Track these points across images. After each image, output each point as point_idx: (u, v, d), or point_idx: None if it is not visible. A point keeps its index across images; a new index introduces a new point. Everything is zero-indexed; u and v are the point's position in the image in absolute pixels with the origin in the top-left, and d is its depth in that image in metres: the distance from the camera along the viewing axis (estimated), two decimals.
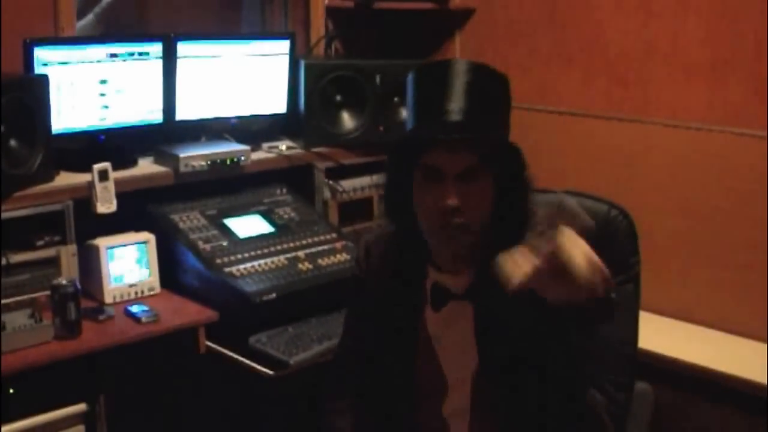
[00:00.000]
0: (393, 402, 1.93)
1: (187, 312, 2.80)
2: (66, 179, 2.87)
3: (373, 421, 1.98)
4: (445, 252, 1.82)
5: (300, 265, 2.94)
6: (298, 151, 3.39)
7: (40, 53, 2.81)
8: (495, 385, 1.84)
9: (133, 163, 3.09)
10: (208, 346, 2.75)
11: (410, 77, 1.85)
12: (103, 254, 2.83)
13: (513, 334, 1.80)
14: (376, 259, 1.99)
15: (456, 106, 1.75)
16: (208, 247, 2.91)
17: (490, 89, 1.81)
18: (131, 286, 2.87)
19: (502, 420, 1.84)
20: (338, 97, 3.46)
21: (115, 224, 2.90)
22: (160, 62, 3.10)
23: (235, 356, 2.68)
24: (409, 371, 1.89)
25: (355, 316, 2.06)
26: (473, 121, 1.75)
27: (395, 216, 1.90)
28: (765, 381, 2.80)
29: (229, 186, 3.20)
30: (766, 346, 2.99)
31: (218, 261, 2.86)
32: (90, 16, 3.43)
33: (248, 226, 3.08)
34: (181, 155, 3.04)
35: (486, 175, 1.76)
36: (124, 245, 2.88)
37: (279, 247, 3.01)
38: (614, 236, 2.18)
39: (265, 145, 3.38)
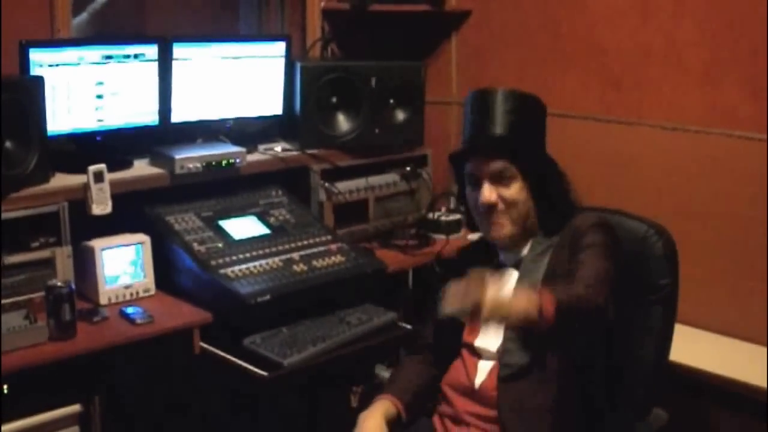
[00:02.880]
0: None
1: (182, 313, 2.80)
2: (61, 181, 2.87)
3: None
4: (491, 237, 2.33)
5: (295, 267, 2.94)
6: (294, 153, 3.39)
7: (36, 55, 2.80)
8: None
9: (128, 164, 3.09)
10: (202, 348, 2.75)
11: (466, 102, 2.40)
12: (98, 256, 2.83)
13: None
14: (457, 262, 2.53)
15: (488, 123, 2.29)
16: (203, 248, 2.91)
17: (523, 112, 2.33)
18: (126, 287, 2.87)
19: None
20: (334, 100, 3.46)
21: (110, 226, 2.90)
22: (155, 64, 3.10)
23: (230, 357, 2.68)
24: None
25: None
26: (508, 138, 2.28)
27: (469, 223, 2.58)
28: (765, 384, 2.80)
29: (225, 188, 3.20)
30: (766, 349, 2.99)
31: (213, 262, 2.86)
32: (84, 15, 3.42)
33: (243, 227, 3.08)
34: (177, 157, 3.04)
35: (515, 176, 2.26)
36: (119, 247, 2.88)
37: (274, 249, 3.01)
38: (645, 257, 2.31)
39: (260, 147, 3.38)
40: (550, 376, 2.18)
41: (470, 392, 2.27)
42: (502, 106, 2.28)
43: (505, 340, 2.22)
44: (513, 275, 2.31)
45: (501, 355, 2.23)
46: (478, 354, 2.30)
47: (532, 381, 2.18)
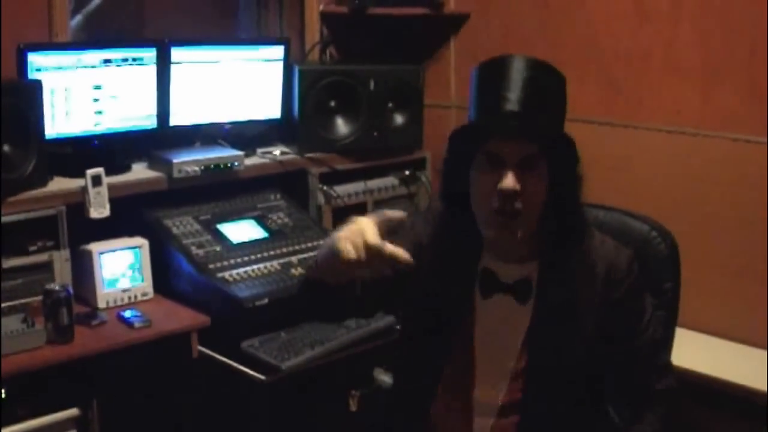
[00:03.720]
0: (419, 379, 1.99)
1: (180, 317, 2.80)
2: (59, 184, 2.87)
3: (401, 397, 2.08)
4: (496, 239, 1.90)
5: (293, 271, 2.93)
6: (292, 156, 3.39)
7: (34, 59, 2.81)
8: (538, 388, 1.91)
9: (126, 168, 3.09)
10: (200, 351, 2.75)
11: (474, 72, 1.96)
12: (96, 259, 2.83)
13: (568, 338, 1.91)
14: (430, 236, 2.02)
15: (514, 96, 1.83)
16: (201, 252, 2.91)
17: (548, 83, 1.90)
18: (124, 291, 2.87)
19: (539, 420, 1.91)
20: (332, 103, 3.46)
21: (108, 229, 2.90)
22: (154, 68, 3.10)
23: (228, 361, 2.68)
24: (442, 352, 1.96)
25: (411, 285, 1.99)
26: (531, 112, 1.83)
27: (451, 202, 1.95)
28: (765, 388, 2.79)
29: (223, 191, 3.20)
30: (766, 353, 2.99)
31: (211, 266, 2.86)
32: (78, 17, 3.42)
33: (242, 231, 3.08)
34: (175, 161, 3.04)
35: (542, 165, 1.85)
36: (117, 250, 2.88)
37: (272, 253, 3.01)
38: (648, 259, 2.18)
39: (259, 151, 3.38)
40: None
41: None
42: (537, 80, 1.87)
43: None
44: (520, 312, 1.93)
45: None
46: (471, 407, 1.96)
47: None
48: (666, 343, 2.19)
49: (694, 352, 3.07)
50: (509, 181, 1.81)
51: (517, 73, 1.86)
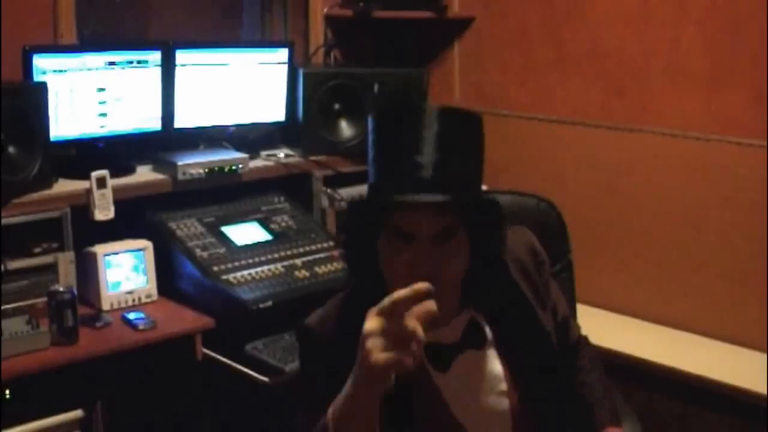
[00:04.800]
0: None
1: (184, 319, 2.81)
2: (64, 186, 2.87)
3: None
4: None
5: (297, 273, 2.94)
6: (296, 159, 3.39)
7: (39, 61, 2.81)
8: (537, 414, 1.76)
9: (131, 170, 3.10)
10: (204, 354, 2.75)
11: (372, 122, 1.68)
12: (101, 261, 2.83)
13: (545, 346, 1.80)
14: (333, 339, 1.70)
15: (427, 159, 1.56)
16: (205, 254, 2.92)
17: (463, 137, 1.63)
18: (128, 293, 2.87)
19: None
20: (337, 106, 3.47)
21: (112, 231, 2.91)
22: (158, 70, 3.11)
23: (232, 363, 2.68)
24: None
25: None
26: (448, 177, 1.57)
27: (360, 272, 1.72)
28: (765, 390, 2.79)
29: (227, 194, 3.20)
30: (765, 355, 2.99)
31: (215, 268, 2.87)
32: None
33: (246, 233, 3.09)
34: (179, 163, 3.05)
35: (462, 232, 1.61)
36: (122, 252, 2.88)
37: (276, 255, 3.02)
38: (546, 228, 2.20)
39: (263, 153, 3.39)
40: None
41: None
42: (447, 135, 1.58)
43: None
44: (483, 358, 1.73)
45: None
46: None
47: None
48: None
49: (694, 354, 3.08)
50: (424, 266, 1.55)
51: (427, 129, 1.57)
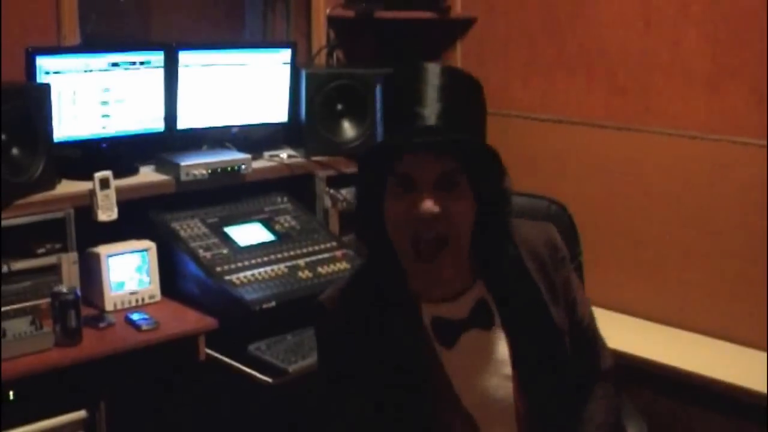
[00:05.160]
0: None
1: (187, 320, 2.81)
2: (67, 187, 2.88)
3: None
4: (424, 277, 1.66)
5: (300, 274, 2.94)
6: (299, 159, 3.40)
7: (42, 62, 2.82)
8: (538, 407, 1.73)
9: (134, 171, 3.11)
10: (207, 354, 2.76)
11: (379, 85, 1.73)
12: (104, 262, 2.83)
13: (552, 339, 1.75)
14: (343, 315, 1.74)
15: (429, 110, 1.61)
16: (208, 255, 2.92)
17: (464, 92, 1.67)
18: (132, 293, 2.88)
19: None
20: (339, 106, 3.47)
21: (115, 232, 2.91)
22: (161, 71, 3.11)
23: (235, 364, 2.68)
24: (429, 424, 1.69)
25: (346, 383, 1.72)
26: (449, 123, 1.61)
27: (369, 238, 1.73)
28: (765, 389, 2.80)
29: (230, 194, 3.21)
30: (765, 354, 2.99)
31: (218, 269, 2.87)
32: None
33: (249, 234, 3.09)
34: (182, 163, 3.05)
35: (463, 182, 1.62)
36: (125, 253, 2.89)
37: (279, 256, 3.02)
38: (559, 231, 2.18)
39: (266, 154, 3.39)
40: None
41: None
42: (452, 89, 1.64)
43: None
44: (490, 339, 1.73)
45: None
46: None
47: None
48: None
49: (694, 353, 3.08)
50: (426, 203, 1.58)
51: (429, 84, 1.62)
